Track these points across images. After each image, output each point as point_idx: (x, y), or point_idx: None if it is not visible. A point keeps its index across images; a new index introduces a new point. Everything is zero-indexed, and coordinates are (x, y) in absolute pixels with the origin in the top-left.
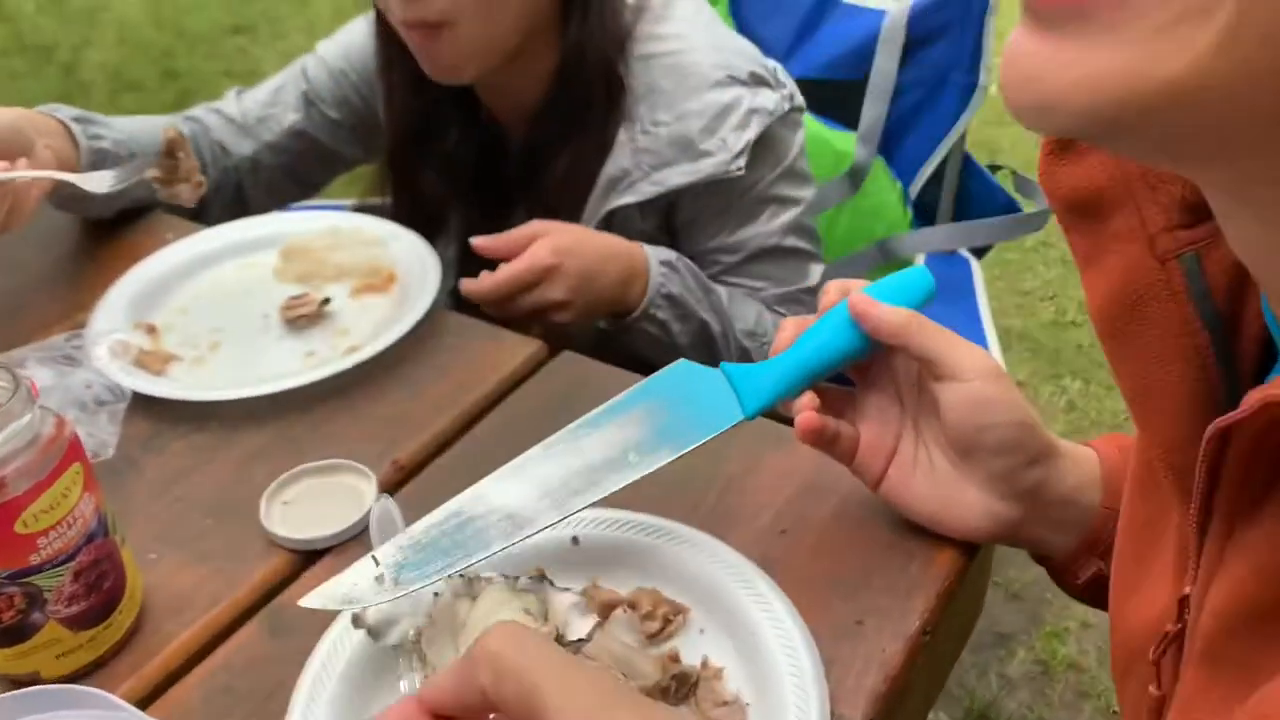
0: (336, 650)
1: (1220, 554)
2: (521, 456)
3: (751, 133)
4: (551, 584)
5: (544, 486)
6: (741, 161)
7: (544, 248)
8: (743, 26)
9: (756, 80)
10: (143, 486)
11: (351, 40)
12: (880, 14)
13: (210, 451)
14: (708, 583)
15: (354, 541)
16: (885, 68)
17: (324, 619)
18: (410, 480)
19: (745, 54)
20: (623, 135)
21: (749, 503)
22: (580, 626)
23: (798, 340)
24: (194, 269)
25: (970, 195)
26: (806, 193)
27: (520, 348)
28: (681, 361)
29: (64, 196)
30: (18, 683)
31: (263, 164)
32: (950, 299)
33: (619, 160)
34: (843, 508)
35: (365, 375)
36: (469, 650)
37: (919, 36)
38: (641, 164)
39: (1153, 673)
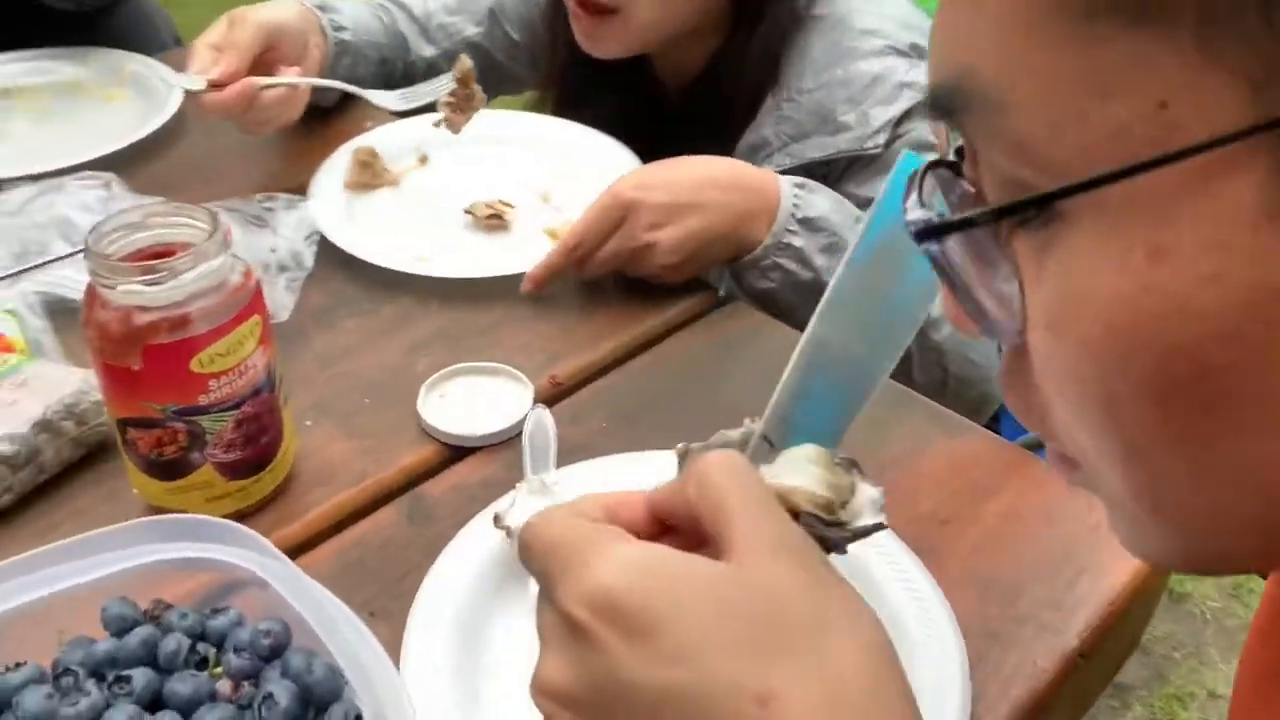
0: (473, 545)
1: None
2: None
3: (897, 109)
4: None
5: None
6: (881, 139)
7: (620, 184)
8: None
9: (919, 52)
10: (310, 357)
11: None
12: None
13: (378, 335)
14: (857, 557)
15: (503, 445)
16: None
17: (461, 514)
18: (565, 398)
19: (915, 24)
20: (770, 101)
21: (911, 486)
22: None
23: None
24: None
25: None
26: None
27: (691, 289)
28: (906, 154)
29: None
30: None
31: (438, 69)
32: None
33: (761, 128)
34: (1012, 508)
35: (539, 293)
36: (690, 465)
37: None
38: (781, 134)
39: None
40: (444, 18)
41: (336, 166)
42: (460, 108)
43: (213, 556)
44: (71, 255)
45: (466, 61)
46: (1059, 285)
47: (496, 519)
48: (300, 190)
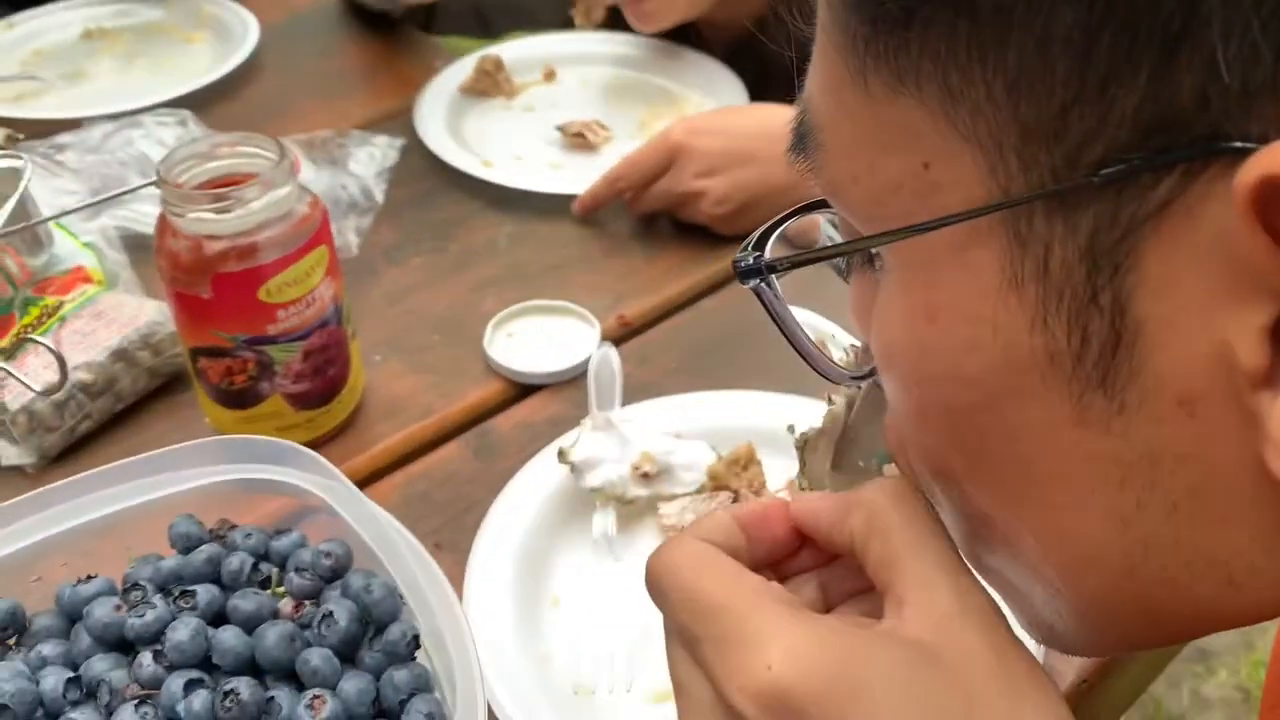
0: (537, 479)
1: None
2: None
3: None
4: None
5: None
6: None
7: (675, 126)
8: None
9: None
10: (379, 293)
11: None
12: None
13: (447, 272)
14: None
15: (569, 383)
16: None
17: (526, 450)
18: (633, 338)
19: None
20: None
21: None
22: None
23: None
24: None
25: None
26: None
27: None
28: None
29: None
30: None
31: None
32: None
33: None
34: None
35: (604, 228)
36: (856, 490)
37: None
38: None
39: None
40: None
41: (454, 75)
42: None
43: (277, 479)
44: (145, 186)
45: None
46: (879, 330)
47: (561, 454)
48: (374, 122)
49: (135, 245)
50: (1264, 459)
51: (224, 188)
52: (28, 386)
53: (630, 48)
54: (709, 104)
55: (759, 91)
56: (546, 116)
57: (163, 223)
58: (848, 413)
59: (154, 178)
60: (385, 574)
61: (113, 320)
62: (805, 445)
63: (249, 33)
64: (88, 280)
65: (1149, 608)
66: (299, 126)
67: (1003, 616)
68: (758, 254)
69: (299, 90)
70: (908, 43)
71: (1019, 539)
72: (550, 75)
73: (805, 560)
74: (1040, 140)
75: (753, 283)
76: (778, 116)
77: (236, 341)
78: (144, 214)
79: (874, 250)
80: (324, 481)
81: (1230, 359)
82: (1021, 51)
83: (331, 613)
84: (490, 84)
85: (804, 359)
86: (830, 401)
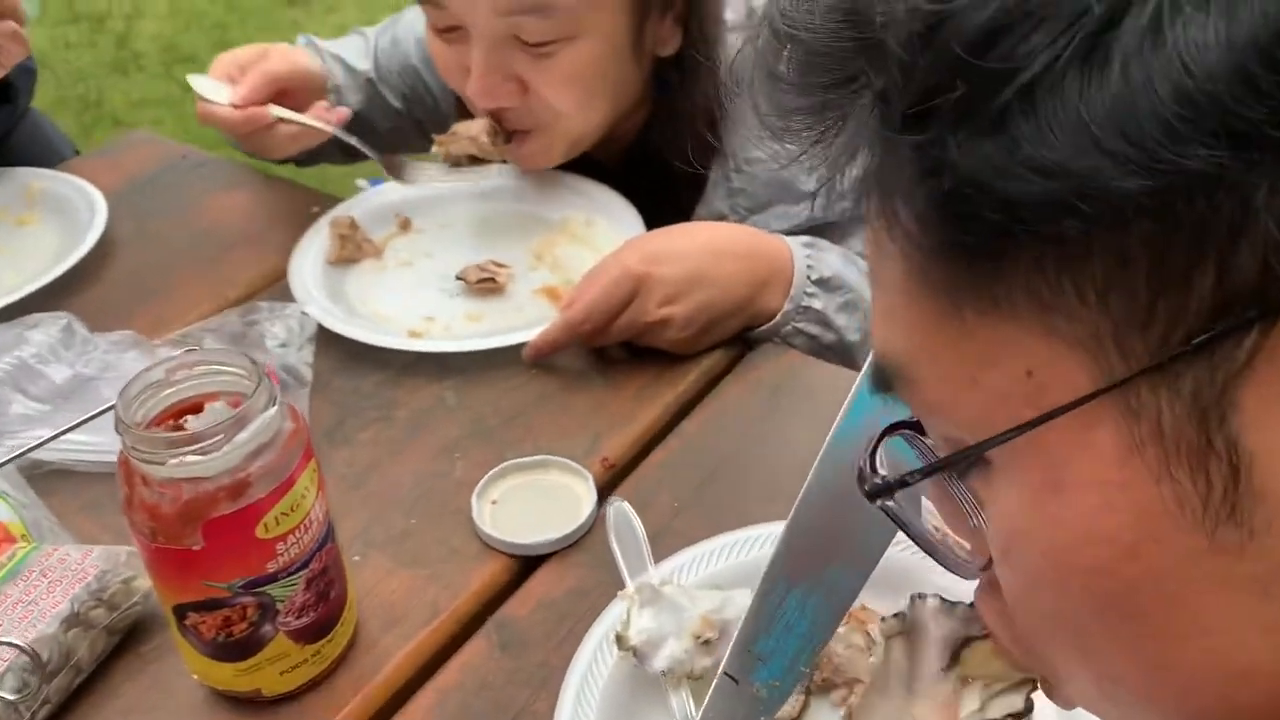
0: (591, 671)
1: None
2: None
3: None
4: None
5: None
6: (848, 201)
7: (629, 256)
8: None
9: None
10: (334, 479)
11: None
12: None
13: (402, 443)
14: None
15: (576, 545)
16: None
17: (556, 633)
18: (622, 481)
19: None
20: (715, 173)
21: None
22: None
23: None
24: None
25: None
26: None
27: None
28: None
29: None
30: (239, 700)
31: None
32: None
33: (713, 202)
34: None
35: (553, 363)
36: None
37: None
38: (737, 206)
39: None
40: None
41: (312, 247)
42: (477, 161)
43: None
44: (91, 419)
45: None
46: (999, 522)
47: (620, 640)
48: (262, 286)
49: (35, 477)
50: None
51: (186, 413)
52: None
53: (474, 179)
54: (598, 221)
55: (658, 194)
56: (428, 268)
57: (128, 471)
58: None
59: (41, 398)
60: None
61: (54, 581)
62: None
63: (95, 207)
64: (9, 539)
65: None
66: (182, 304)
67: None
68: (878, 476)
69: (168, 263)
70: (1000, 271)
71: (1160, 678)
72: (405, 225)
73: None
74: (1133, 329)
75: (882, 502)
76: (726, 234)
77: (234, 589)
78: (30, 438)
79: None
80: None
81: None
82: (1105, 263)
83: None
84: (354, 248)
85: (934, 559)
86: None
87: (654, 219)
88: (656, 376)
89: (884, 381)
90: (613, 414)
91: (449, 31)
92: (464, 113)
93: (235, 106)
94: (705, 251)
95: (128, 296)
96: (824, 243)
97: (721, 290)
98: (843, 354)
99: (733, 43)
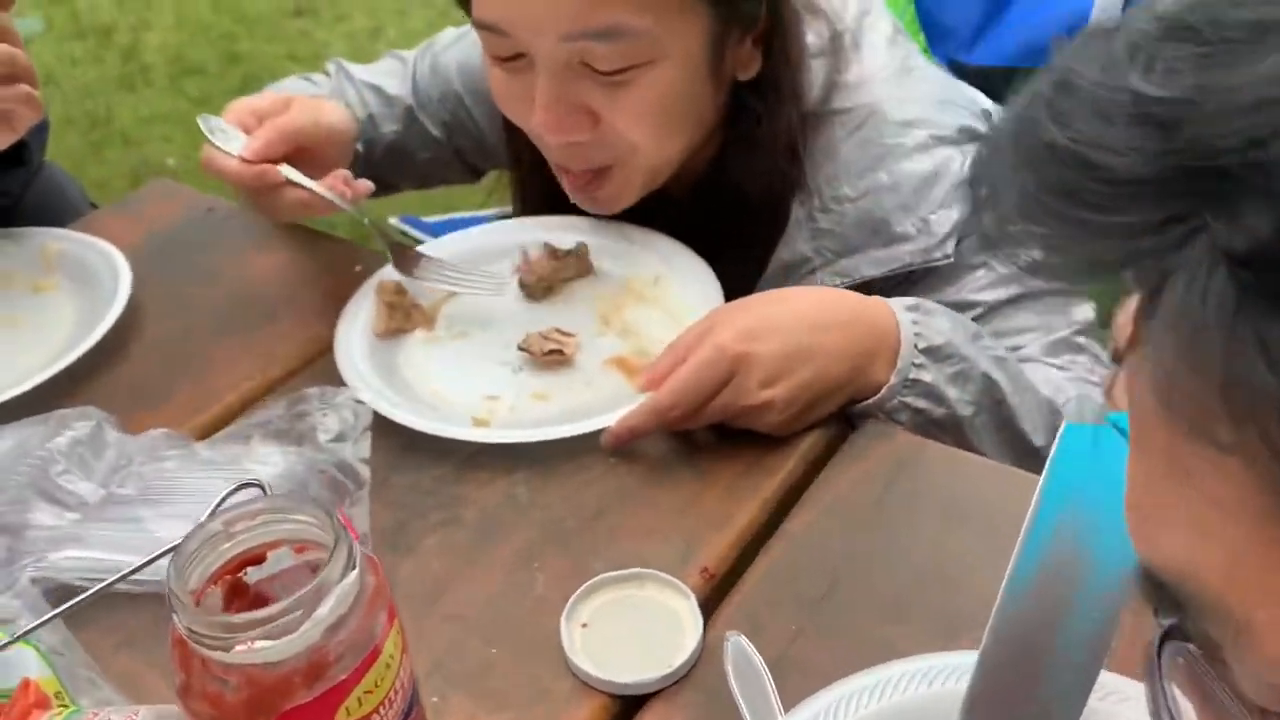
0: None
1: None
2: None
3: (961, 210)
4: None
5: None
6: (950, 246)
7: (724, 333)
8: (923, 12)
9: (969, 136)
10: (403, 602)
11: (470, 56)
12: None
13: (472, 550)
14: None
15: (683, 681)
16: None
17: None
18: (727, 595)
19: (954, 100)
20: (799, 212)
21: None
22: None
23: None
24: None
25: None
26: None
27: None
28: (1068, 426)
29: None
30: None
31: (354, 164)
32: None
33: (796, 244)
34: None
35: (637, 450)
36: None
37: None
38: (823, 249)
39: None
40: (360, 110)
41: (358, 318)
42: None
43: None
44: (146, 565)
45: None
46: None
47: None
48: (305, 362)
49: (62, 600)
50: None
51: (247, 564)
52: None
53: (535, 231)
54: (667, 277)
55: (731, 232)
56: (486, 338)
57: (184, 653)
58: None
59: (69, 504)
60: None
61: None
62: None
63: (118, 272)
64: (43, 703)
65: None
66: (219, 383)
67: None
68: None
69: (200, 334)
70: None
71: None
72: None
73: None
74: None
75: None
76: (827, 302)
77: None
78: (63, 559)
79: None
80: None
81: None
82: None
83: None
84: (403, 318)
85: None
86: None
87: (727, 259)
88: (752, 464)
89: (1170, 604)
90: (706, 511)
91: (511, 60)
92: (514, 142)
93: (244, 159)
94: (805, 323)
95: (159, 375)
96: (930, 304)
97: (825, 366)
98: (954, 430)
99: (815, 68)
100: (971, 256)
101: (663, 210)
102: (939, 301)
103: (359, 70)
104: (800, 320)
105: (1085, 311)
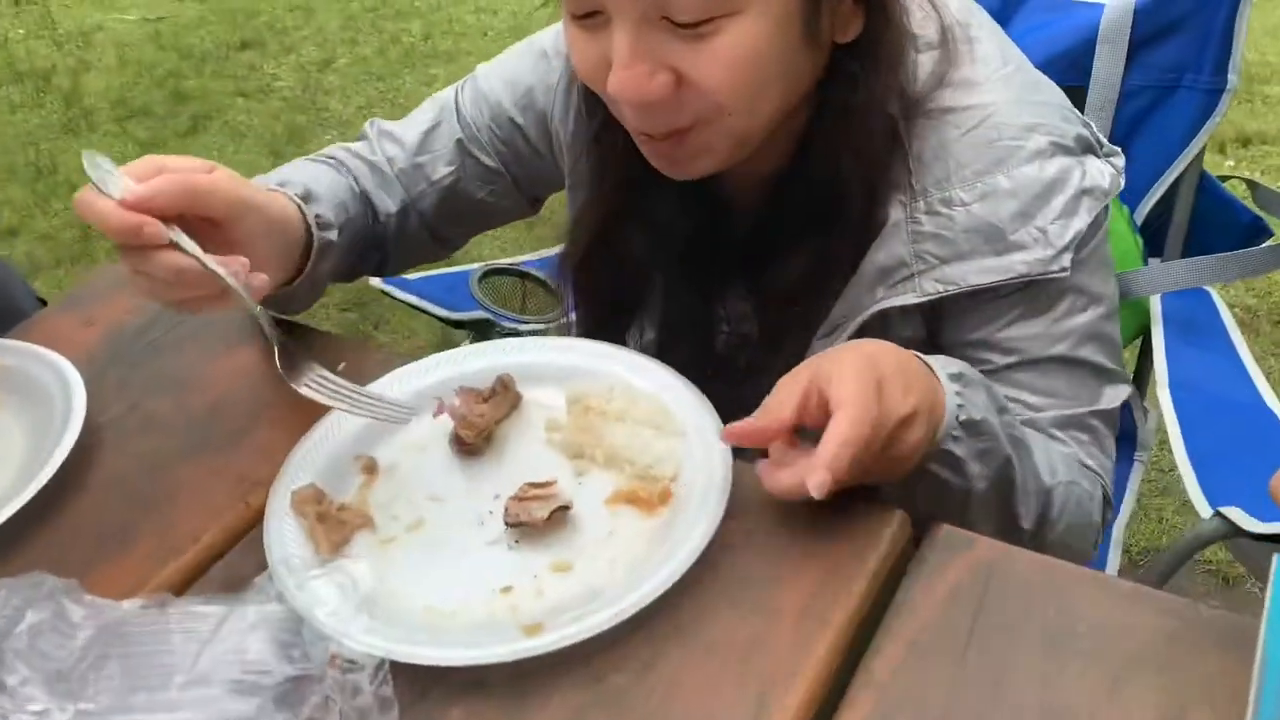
0: None
1: None
2: None
3: (1082, 221)
4: None
5: None
6: (1066, 259)
7: (843, 368)
8: None
9: (1085, 147)
10: None
11: (517, 74)
12: (1097, 8)
13: None
14: None
15: None
16: (1108, 73)
17: None
18: None
19: (1066, 109)
20: (897, 213)
21: None
22: None
23: None
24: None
25: (1201, 212)
26: (1110, 288)
27: (869, 520)
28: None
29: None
30: None
31: (408, 223)
32: (1200, 341)
33: (893, 246)
34: None
35: (686, 586)
36: None
37: (1146, 34)
38: (924, 253)
39: None
40: (409, 161)
41: (285, 538)
42: (475, 430)
43: None
44: None
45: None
46: None
47: None
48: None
49: None
50: None
51: None
52: None
53: (437, 372)
54: (614, 386)
55: (804, 236)
56: (449, 522)
57: None
58: None
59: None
60: None
61: None
62: None
63: (70, 391)
64: None
65: None
66: (194, 521)
67: None
68: None
69: (168, 461)
70: None
71: None
72: (371, 468)
73: None
74: None
75: None
76: (878, 351)
77: None
78: None
79: None
80: None
81: None
82: None
83: None
84: (337, 527)
85: None
86: None
87: (798, 262)
88: (813, 592)
89: None
90: (772, 652)
91: (588, 18)
92: (594, 117)
93: (123, 203)
94: (900, 383)
95: (125, 516)
96: (973, 375)
97: (915, 427)
98: (961, 503)
99: (924, 62)
100: (1051, 298)
101: (723, 216)
102: (1024, 327)
103: (398, 127)
104: (895, 375)
105: (1116, 396)
